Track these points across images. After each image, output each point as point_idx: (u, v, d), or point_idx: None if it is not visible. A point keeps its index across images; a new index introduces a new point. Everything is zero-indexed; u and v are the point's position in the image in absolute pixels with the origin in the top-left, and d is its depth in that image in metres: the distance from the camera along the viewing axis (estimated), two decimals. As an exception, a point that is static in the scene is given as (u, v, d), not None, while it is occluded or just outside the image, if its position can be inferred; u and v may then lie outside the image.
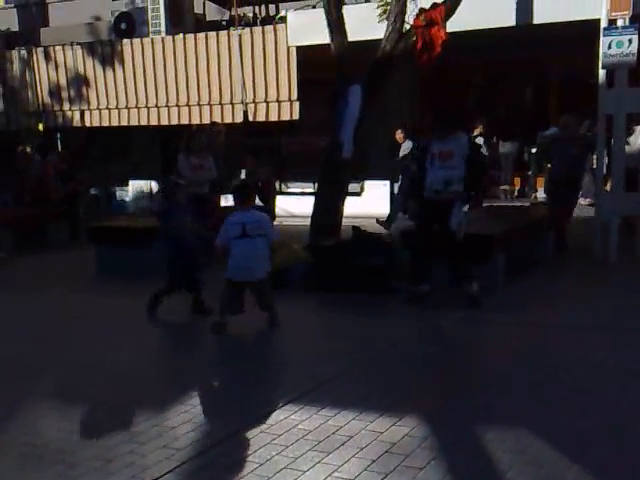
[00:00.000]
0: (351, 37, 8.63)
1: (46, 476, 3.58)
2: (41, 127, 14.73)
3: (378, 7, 8.96)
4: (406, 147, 10.90)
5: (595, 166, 9.70)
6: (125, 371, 5.25)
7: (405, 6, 8.17)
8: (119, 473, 3.57)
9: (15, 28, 16.35)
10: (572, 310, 6.55)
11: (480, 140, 11.70)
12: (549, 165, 9.90)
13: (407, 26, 8.21)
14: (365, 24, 9.30)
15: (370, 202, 13.16)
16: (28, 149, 13.47)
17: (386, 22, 8.36)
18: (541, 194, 11.67)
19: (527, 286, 7.45)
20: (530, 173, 13.51)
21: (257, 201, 12.07)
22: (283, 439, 3.93)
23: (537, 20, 10.17)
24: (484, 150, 11.80)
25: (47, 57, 14.31)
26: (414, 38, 8.11)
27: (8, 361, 5.52)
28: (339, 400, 4.46)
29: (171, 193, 6.82)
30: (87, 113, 14.10)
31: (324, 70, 8.88)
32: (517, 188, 13.77)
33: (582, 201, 10.72)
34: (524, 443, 3.77)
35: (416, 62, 8.40)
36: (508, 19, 10.23)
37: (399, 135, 11.30)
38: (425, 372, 5.13)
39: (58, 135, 15.79)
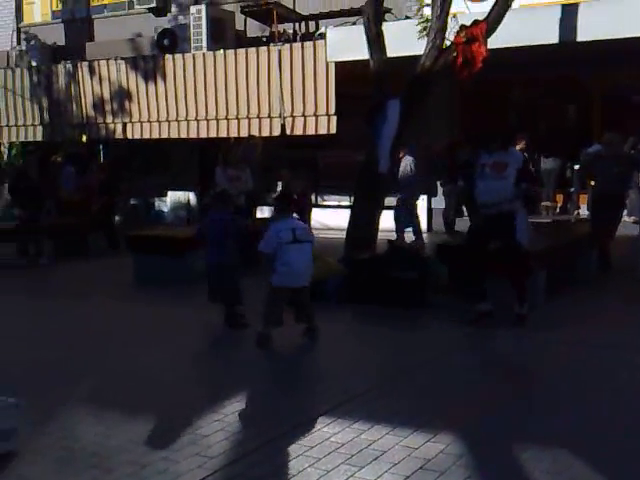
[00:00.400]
0: (390, 53, 8.66)
1: (82, 479, 3.61)
2: (84, 139, 15.00)
3: (418, 24, 8.98)
4: (405, 164, 10.87)
5: (640, 184, 9.57)
6: (161, 378, 5.30)
7: (446, 23, 8.17)
8: (152, 479, 3.60)
9: (62, 42, 16.72)
10: (615, 329, 6.42)
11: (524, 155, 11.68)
12: (592, 182, 9.78)
13: (447, 42, 8.20)
14: (404, 40, 9.33)
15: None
16: (59, 159, 13.78)
17: (426, 38, 8.37)
18: (584, 211, 11.51)
19: (569, 304, 7.32)
20: (572, 190, 13.33)
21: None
22: (316, 451, 3.92)
23: (581, 37, 10.03)
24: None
25: (92, 71, 14.58)
26: (454, 54, 8.10)
27: (48, 366, 5.60)
28: (373, 414, 4.43)
29: (219, 202, 6.85)
30: (129, 126, 14.31)
31: (362, 85, 8.93)
32: (559, 205, 13.61)
33: (627, 219, 10.56)
34: (562, 464, 3.70)
35: (456, 77, 8.38)
36: (551, 36, 10.13)
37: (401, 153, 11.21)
38: (461, 388, 5.07)
39: (100, 147, 16.06)
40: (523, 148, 11.65)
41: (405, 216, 10.84)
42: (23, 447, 3.95)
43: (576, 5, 10.34)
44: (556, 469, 3.65)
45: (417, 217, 11.20)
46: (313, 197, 13.62)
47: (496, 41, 8.35)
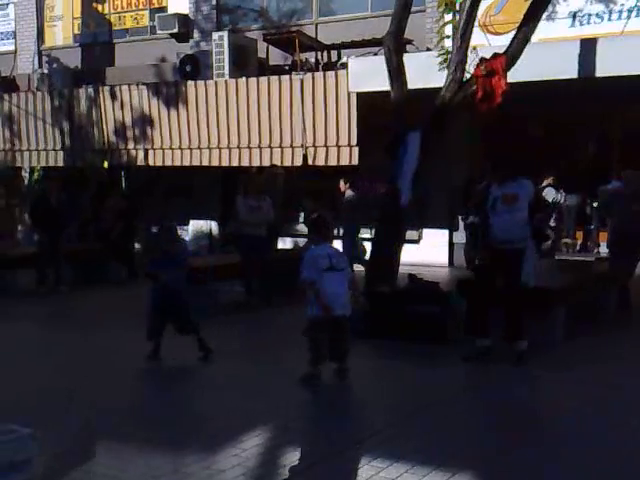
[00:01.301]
0: (411, 85, 8.71)
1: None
2: (106, 164, 15.07)
3: (439, 55, 9.03)
4: (347, 197, 11.32)
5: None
6: (178, 411, 5.30)
7: (466, 55, 8.22)
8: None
9: (83, 66, 16.84)
10: (635, 367, 6.35)
11: (552, 191, 11.67)
12: (611, 219, 9.72)
13: (467, 75, 8.25)
14: (425, 72, 9.38)
15: (428, 250, 13.10)
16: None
17: (446, 71, 8.42)
18: (604, 249, 11.43)
19: (587, 343, 7.25)
20: (592, 227, 13.28)
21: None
22: (333, 489, 3.90)
23: (600, 73, 10.05)
24: (560, 199, 11.79)
25: (113, 96, 14.65)
26: (474, 87, 8.14)
27: (62, 396, 5.62)
28: (391, 451, 4.40)
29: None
30: (151, 152, 14.38)
31: (384, 116, 8.94)
32: (579, 242, 13.53)
33: None
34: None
35: (476, 110, 8.41)
36: (570, 71, 10.15)
37: (341, 185, 11.53)
38: (480, 427, 5.03)
39: (122, 173, 16.15)
40: (550, 183, 11.71)
41: (348, 248, 10.77)
42: (38, 479, 3.95)
43: (595, 40, 10.38)
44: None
45: (360, 246, 11.46)
46: (334, 229, 13.67)
47: (516, 75, 8.38)
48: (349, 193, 11.39)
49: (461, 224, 12.41)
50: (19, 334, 8.01)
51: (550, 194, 11.63)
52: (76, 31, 17.45)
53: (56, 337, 7.93)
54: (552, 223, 11.97)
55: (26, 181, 17.35)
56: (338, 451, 4.42)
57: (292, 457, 4.38)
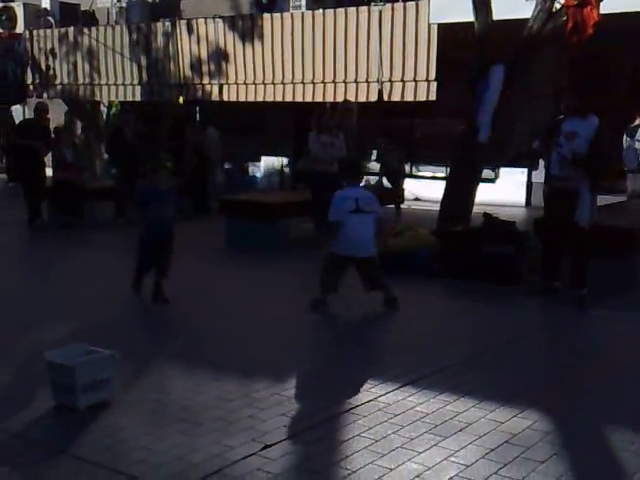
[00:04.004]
0: (496, 16, 8.38)
1: (171, 431, 3.72)
2: (181, 100, 15.16)
3: (527, -15, 8.61)
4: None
5: None
6: (248, 340, 5.38)
7: (556, -16, 7.82)
8: (238, 435, 3.67)
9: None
10: None
11: None
12: None
13: (557, 5, 7.84)
14: (512, 2, 8.97)
15: (505, 190, 12.77)
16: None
17: (534, 1, 8.03)
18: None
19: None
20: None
21: (386, 183, 12.12)
22: (399, 419, 3.91)
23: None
24: None
25: (189, 30, 14.59)
26: (564, 18, 7.74)
27: (141, 322, 5.79)
28: (459, 387, 4.38)
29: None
30: (225, 87, 14.35)
31: (465, 49, 8.65)
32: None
33: None
34: (655, 448, 3.56)
35: (564, 44, 8.01)
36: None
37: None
38: (551, 366, 4.95)
39: (197, 108, 16.22)
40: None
41: None
42: (117, 398, 4.10)
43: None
44: (648, 453, 3.52)
45: None
46: (408, 167, 13.47)
47: (610, 4, 7.90)
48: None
49: (541, 163, 12.01)
50: (96, 263, 8.27)
51: None
52: (155, -37, 17.34)
53: (129, 266, 8.13)
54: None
55: (104, 116, 17.66)
56: (405, 383, 4.42)
57: (360, 388, 4.39)
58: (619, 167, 11.68)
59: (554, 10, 7.86)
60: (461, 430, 3.77)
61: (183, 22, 14.80)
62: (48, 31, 16.79)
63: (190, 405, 4.06)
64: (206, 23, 14.35)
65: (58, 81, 16.78)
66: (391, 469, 3.34)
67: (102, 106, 17.54)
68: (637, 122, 11.36)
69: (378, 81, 12.43)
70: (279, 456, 3.45)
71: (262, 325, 5.73)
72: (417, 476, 3.27)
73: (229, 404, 4.07)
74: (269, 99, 13.83)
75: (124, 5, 16.87)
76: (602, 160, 6.28)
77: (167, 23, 14.97)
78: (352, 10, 12.65)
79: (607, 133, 6.26)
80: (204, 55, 14.51)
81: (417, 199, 13.28)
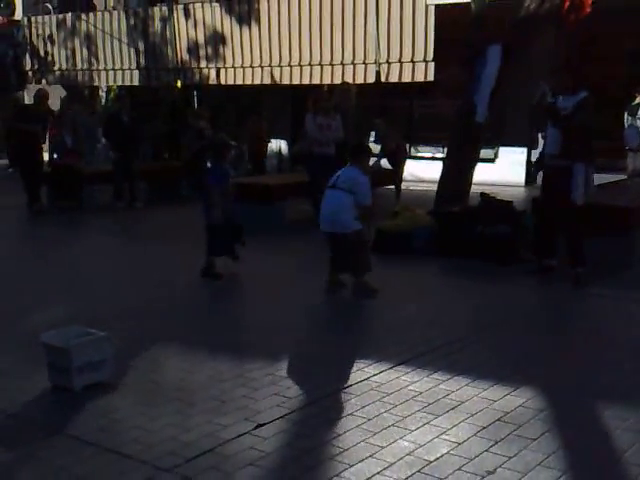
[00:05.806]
0: (493, -5, 8.31)
1: (165, 411, 3.75)
2: (179, 84, 15.14)
3: (524, -38, 8.52)
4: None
5: None
6: (243, 320, 5.41)
7: (553, -39, 7.75)
8: (232, 414, 3.70)
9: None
10: None
11: None
12: None
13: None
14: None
15: (504, 169, 12.74)
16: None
17: (531, -20, 7.97)
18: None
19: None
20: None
21: (386, 164, 12.08)
22: (392, 398, 3.93)
23: None
24: None
25: (187, 14, 14.58)
26: (561, -3, 7.69)
27: (136, 304, 5.80)
28: (453, 365, 4.40)
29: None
30: (222, 71, 14.33)
31: (462, 30, 8.58)
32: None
33: None
34: (646, 423, 3.58)
35: (561, 23, 7.96)
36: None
37: None
38: (546, 345, 4.95)
39: (195, 92, 16.18)
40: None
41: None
42: (113, 379, 4.13)
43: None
44: (640, 428, 3.54)
45: None
46: (407, 148, 13.40)
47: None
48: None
49: (541, 142, 11.99)
50: (94, 246, 8.30)
51: None
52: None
53: (130, 250, 8.16)
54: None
55: (103, 100, 17.65)
56: (398, 362, 4.44)
57: (353, 366, 4.41)
58: (620, 145, 11.66)
59: (551, -11, 7.81)
60: (453, 408, 3.79)
61: (180, 6, 14.76)
62: (46, 17, 16.79)
63: (184, 385, 4.10)
64: (203, 7, 14.33)
65: (57, 67, 16.79)
66: (383, 447, 3.36)
67: (101, 91, 17.53)
68: (638, 101, 11.31)
69: (376, 62, 12.37)
70: (272, 435, 3.48)
71: (258, 306, 5.75)
72: (409, 454, 3.30)
73: (223, 384, 4.11)
74: (266, 82, 13.81)
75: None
76: (582, 131, 6.15)
77: (164, 8, 14.96)
78: (349, -9, 12.57)
79: (591, 107, 6.19)
80: (201, 39, 14.49)
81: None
